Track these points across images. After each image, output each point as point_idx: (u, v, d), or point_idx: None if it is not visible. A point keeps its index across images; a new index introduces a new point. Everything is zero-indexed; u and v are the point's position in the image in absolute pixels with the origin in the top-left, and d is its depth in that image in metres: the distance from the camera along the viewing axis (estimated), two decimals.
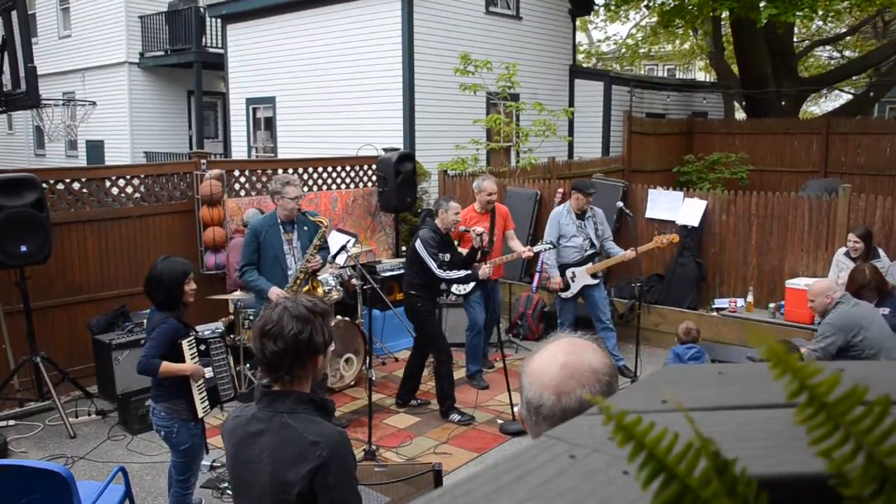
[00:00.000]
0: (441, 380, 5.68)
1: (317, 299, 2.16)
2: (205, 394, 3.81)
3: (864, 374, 0.53)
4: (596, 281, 6.57)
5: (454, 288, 6.22)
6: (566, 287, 6.54)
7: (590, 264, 6.54)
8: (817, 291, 4.99)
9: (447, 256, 5.65)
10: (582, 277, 6.53)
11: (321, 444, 1.92)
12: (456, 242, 6.04)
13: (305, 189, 8.01)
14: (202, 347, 3.85)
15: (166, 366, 3.64)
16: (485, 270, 5.68)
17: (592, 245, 6.58)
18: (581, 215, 6.56)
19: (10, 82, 7.30)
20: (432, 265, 5.50)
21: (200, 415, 3.77)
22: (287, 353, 2.01)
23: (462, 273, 5.61)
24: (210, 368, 3.88)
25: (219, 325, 4.07)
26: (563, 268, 6.53)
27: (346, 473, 1.97)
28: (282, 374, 2.05)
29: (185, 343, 3.74)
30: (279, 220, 5.13)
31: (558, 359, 1.34)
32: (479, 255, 5.72)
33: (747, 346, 6.74)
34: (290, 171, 8.00)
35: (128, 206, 6.75)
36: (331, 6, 11.54)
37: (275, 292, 4.92)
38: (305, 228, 5.22)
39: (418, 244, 5.58)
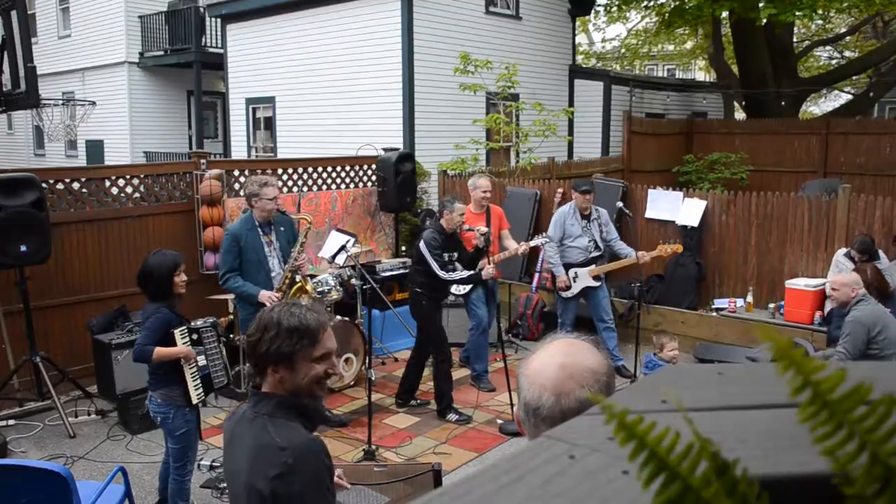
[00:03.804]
0: (439, 379, 5.69)
1: (310, 315, 2.07)
2: (199, 380, 3.98)
3: (869, 372, 0.53)
4: (598, 283, 6.56)
5: (452, 288, 6.21)
6: (568, 287, 6.55)
7: (593, 266, 6.53)
8: (844, 282, 4.93)
9: (454, 255, 5.65)
10: (584, 279, 6.53)
11: (288, 450, 1.89)
12: None
13: (305, 189, 8.02)
14: (194, 337, 4.03)
15: (159, 350, 3.81)
16: (488, 271, 5.68)
17: (597, 247, 6.56)
18: (587, 216, 6.54)
19: (10, 82, 7.31)
20: (434, 266, 5.51)
21: (195, 401, 3.93)
22: (249, 354, 2.09)
23: (465, 274, 5.61)
24: (203, 356, 4.05)
25: (209, 318, 4.24)
26: (566, 267, 6.54)
27: (315, 483, 1.93)
28: (254, 370, 2.10)
29: (177, 332, 3.90)
30: (257, 223, 5.05)
31: (556, 359, 1.34)
32: (483, 255, 5.72)
33: (747, 346, 6.74)
34: (290, 170, 8.00)
35: (128, 206, 6.75)
36: (330, 6, 11.54)
37: (265, 295, 4.89)
38: (282, 229, 5.16)
39: (422, 245, 5.59)
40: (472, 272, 5.65)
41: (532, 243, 6.58)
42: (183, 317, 4.05)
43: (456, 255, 5.66)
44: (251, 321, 5.30)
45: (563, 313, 6.71)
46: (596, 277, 6.54)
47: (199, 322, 4.13)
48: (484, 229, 5.73)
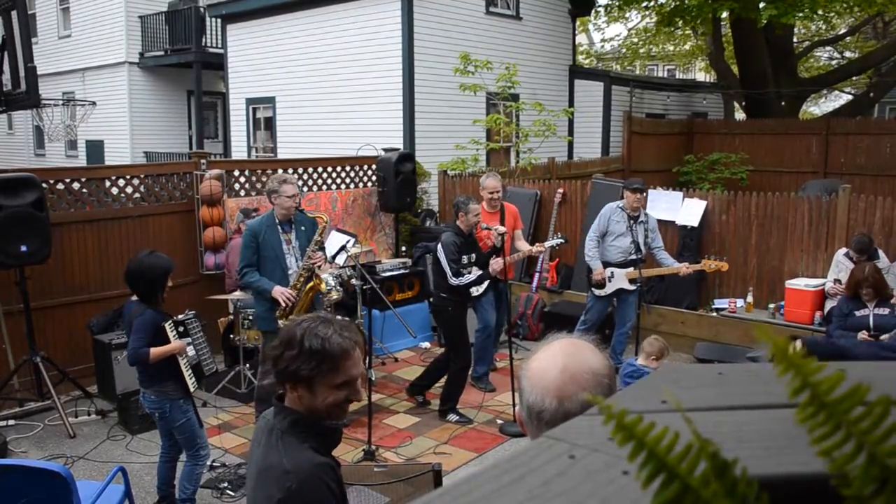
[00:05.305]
0: (451, 384, 5.68)
1: (336, 338, 1.95)
2: (190, 371, 4.09)
3: (866, 374, 0.53)
4: (633, 287, 6.38)
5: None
6: (602, 284, 6.41)
7: (631, 269, 6.35)
8: None
9: (473, 256, 5.64)
10: (620, 280, 6.37)
11: (292, 474, 1.87)
12: None
13: (305, 189, 8.01)
14: (181, 329, 4.13)
15: (155, 351, 3.89)
16: (494, 266, 5.66)
17: (638, 250, 6.35)
18: (634, 218, 6.37)
19: (10, 82, 7.30)
20: (448, 272, 5.50)
21: (192, 389, 4.08)
22: (274, 369, 2.02)
23: (474, 275, 5.58)
24: (191, 347, 4.16)
25: (190, 311, 4.35)
26: (603, 265, 6.38)
27: None
28: (276, 381, 2.07)
29: (167, 326, 3.99)
30: (277, 221, 5.11)
31: (558, 362, 1.33)
32: (498, 254, 5.71)
33: (747, 346, 6.74)
34: (290, 170, 7.99)
35: (128, 206, 6.75)
36: (331, 6, 11.54)
37: (279, 291, 4.94)
38: (303, 228, 5.21)
39: (439, 250, 5.57)
40: (481, 272, 5.61)
41: (548, 244, 6.52)
42: (166, 313, 4.12)
43: (474, 256, 5.65)
44: (267, 317, 5.40)
45: (590, 311, 6.57)
46: (632, 281, 6.35)
47: (182, 315, 4.18)
48: (502, 229, 5.68)
